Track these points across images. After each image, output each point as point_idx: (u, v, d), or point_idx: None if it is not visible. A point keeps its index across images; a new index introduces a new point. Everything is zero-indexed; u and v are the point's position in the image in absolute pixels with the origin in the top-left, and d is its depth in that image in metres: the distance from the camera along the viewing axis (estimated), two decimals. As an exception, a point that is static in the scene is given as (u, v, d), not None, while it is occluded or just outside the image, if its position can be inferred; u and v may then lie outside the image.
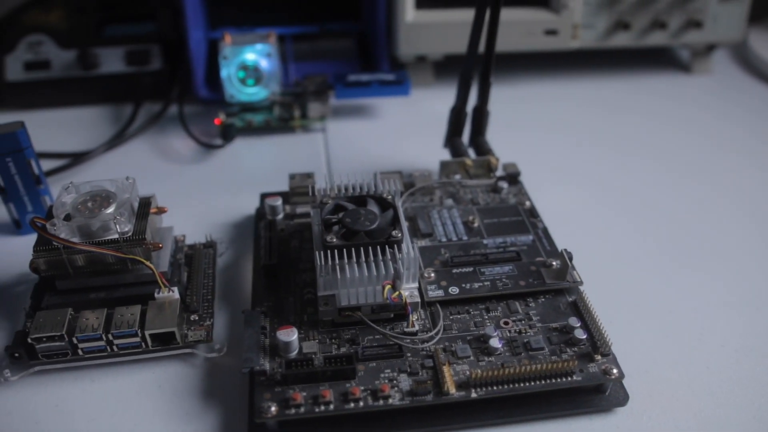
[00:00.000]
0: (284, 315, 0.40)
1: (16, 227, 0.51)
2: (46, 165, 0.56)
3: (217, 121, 0.60)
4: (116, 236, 0.40)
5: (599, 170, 0.57)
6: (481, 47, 0.49)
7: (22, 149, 0.47)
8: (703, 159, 0.59)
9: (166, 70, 0.67)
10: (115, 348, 0.39)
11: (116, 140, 0.61)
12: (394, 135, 0.63)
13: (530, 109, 0.67)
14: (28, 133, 0.47)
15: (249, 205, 0.52)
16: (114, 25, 0.71)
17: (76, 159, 0.58)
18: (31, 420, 0.37)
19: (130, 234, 0.40)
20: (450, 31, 0.66)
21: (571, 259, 0.42)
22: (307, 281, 0.42)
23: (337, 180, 0.43)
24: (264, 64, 0.60)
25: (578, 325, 0.39)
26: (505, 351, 0.38)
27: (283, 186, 0.52)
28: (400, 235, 0.39)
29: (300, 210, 0.48)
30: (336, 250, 0.38)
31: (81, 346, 0.39)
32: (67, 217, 0.40)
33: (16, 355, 0.39)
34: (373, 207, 0.41)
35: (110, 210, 0.40)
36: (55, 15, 0.69)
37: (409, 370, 0.36)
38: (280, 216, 0.47)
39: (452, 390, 0.35)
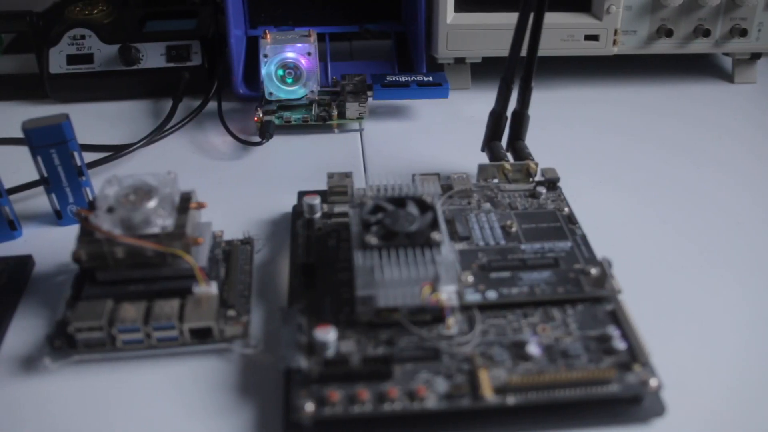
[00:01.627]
0: (321, 314, 0.40)
1: (57, 218, 0.51)
2: (87, 157, 0.56)
3: (257, 119, 0.61)
4: (157, 230, 0.40)
5: (639, 178, 0.57)
6: (523, 51, 0.49)
7: (66, 141, 0.48)
8: (745, 169, 0.58)
9: (206, 67, 0.68)
10: (152, 340, 0.39)
11: (155, 135, 0.61)
12: (431, 137, 0.62)
13: (568, 114, 0.66)
14: (72, 125, 0.48)
15: (286, 203, 0.52)
16: (155, 21, 0.72)
17: (116, 152, 0.59)
18: (69, 408, 0.38)
19: (170, 228, 0.40)
20: (489, 33, 0.66)
21: (610, 267, 0.41)
22: (344, 281, 0.42)
23: (373, 180, 0.43)
24: (304, 62, 0.60)
25: (617, 334, 0.38)
26: (542, 357, 0.37)
27: (320, 184, 0.52)
28: (440, 237, 0.39)
29: (338, 209, 0.48)
30: (375, 251, 0.38)
31: (120, 337, 0.39)
32: (110, 210, 0.41)
33: (57, 344, 0.39)
34: (413, 208, 0.41)
35: (152, 204, 0.41)
36: (99, 10, 0.69)
37: (445, 374, 0.36)
38: (318, 215, 0.47)
39: (489, 395, 0.35)
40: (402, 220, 0.40)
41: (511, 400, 0.35)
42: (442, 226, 0.40)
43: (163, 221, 0.40)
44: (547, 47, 0.65)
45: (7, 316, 0.43)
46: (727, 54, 0.72)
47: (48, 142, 0.48)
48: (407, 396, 0.35)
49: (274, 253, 0.48)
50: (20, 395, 0.38)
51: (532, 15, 0.47)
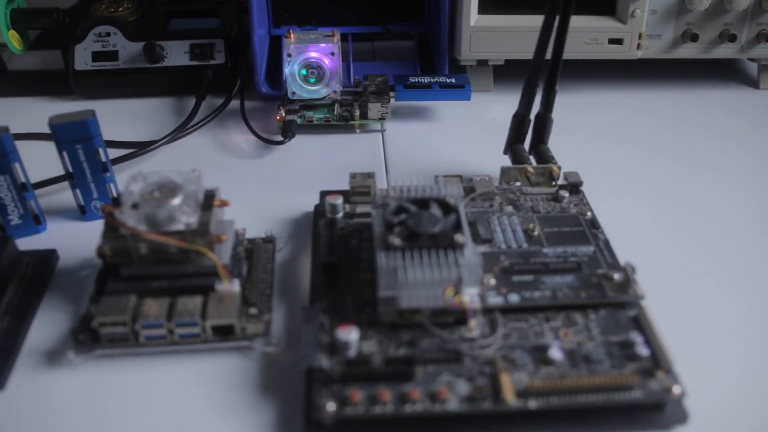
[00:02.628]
0: (343, 313, 0.40)
1: (81, 213, 0.52)
2: (110, 153, 0.57)
3: (278, 118, 0.61)
4: (181, 227, 0.41)
5: (662, 183, 0.56)
6: (547, 54, 0.49)
7: (92, 137, 0.48)
8: (770, 176, 0.58)
9: (229, 65, 0.68)
10: (175, 337, 0.40)
11: (178, 132, 0.62)
12: (453, 139, 0.62)
13: (591, 118, 0.66)
14: (97, 121, 0.48)
15: (307, 202, 0.52)
16: (179, 19, 0.72)
17: (140, 149, 0.59)
18: (92, 402, 0.38)
19: (194, 225, 0.41)
20: (512, 36, 0.65)
21: (634, 273, 0.41)
22: (366, 281, 0.42)
23: (394, 181, 0.43)
24: (327, 62, 0.60)
25: (640, 340, 0.38)
26: (564, 362, 0.37)
27: (341, 184, 0.52)
28: (463, 239, 0.39)
29: (360, 209, 0.48)
30: (398, 252, 0.38)
31: (143, 333, 0.39)
32: (135, 206, 0.41)
33: (81, 338, 0.40)
34: (436, 210, 0.41)
35: (176, 201, 0.41)
36: (124, 8, 0.70)
37: (467, 376, 0.36)
38: (340, 214, 0.47)
39: (510, 398, 0.35)
40: (425, 222, 0.40)
41: (532, 404, 0.35)
42: (466, 228, 0.40)
43: (187, 218, 0.40)
44: (571, 50, 0.65)
45: (31, 309, 0.43)
46: (752, 59, 0.71)
47: (74, 137, 0.48)
48: (428, 397, 0.35)
49: (295, 252, 0.48)
50: (44, 388, 0.39)
51: (557, 18, 0.47)
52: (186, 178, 0.43)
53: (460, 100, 0.63)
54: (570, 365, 0.37)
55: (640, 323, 0.39)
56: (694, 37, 0.66)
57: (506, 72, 0.69)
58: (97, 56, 0.67)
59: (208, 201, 0.43)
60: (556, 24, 0.47)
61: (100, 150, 0.49)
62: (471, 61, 0.68)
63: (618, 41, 0.66)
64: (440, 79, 0.63)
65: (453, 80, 0.63)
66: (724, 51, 0.68)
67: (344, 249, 0.45)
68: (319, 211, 0.49)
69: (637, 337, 0.38)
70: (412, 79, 0.63)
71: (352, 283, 0.42)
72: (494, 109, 0.67)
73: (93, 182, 0.50)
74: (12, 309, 0.43)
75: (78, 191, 0.51)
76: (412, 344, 0.38)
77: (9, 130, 0.47)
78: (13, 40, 0.67)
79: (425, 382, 0.36)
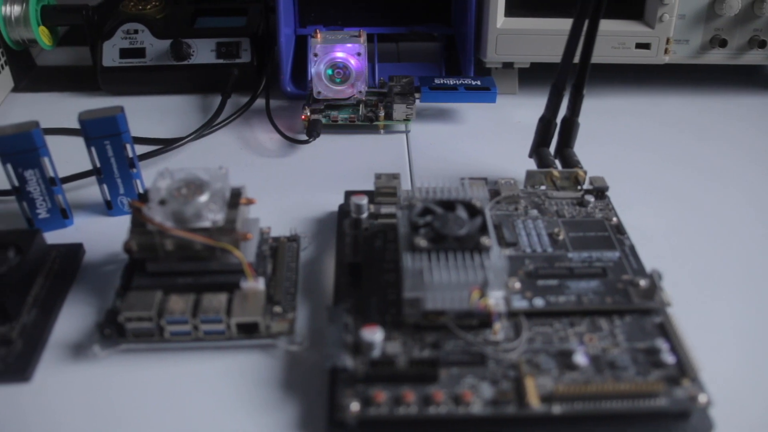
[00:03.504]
0: (367, 314, 0.40)
1: (108, 208, 0.52)
2: (137, 149, 0.57)
3: (303, 117, 0.61)
4: (208, 224, 0.41)
5: (688, 189, 0.56)
6: (574, 57, 0.49)
7: (120, 133, 0.49)
8: (799, 185, 0.57)
9: (254, 64, 0.68)
10: (200, 333, 0.40)
11: (204, 129, 0.62)
12: (477, 141, 0.62)
13: (617, 123, 0.65)
14: (126, 117, 0.49)
15: (331, 202, 0.52)
16: (206, 18, 0.73)
17: (166, 145, 0.59)
18: (117, 396, 0.38)
19: (221, 223, 0.41)
20: (538, 39, 0.65)
21: (660, 279, 0.41)
22: (390, 282, 0.42)
23: (419, 182, 0.43)
24: (353, 62, 0.60)
25: (665, 347, 0.38)
26: (589, 367, 0.37)
27: (365, 184, 0.52)
28: (489, 242, 0.39)
29: (384, 210, 0.48)
30: (424, 253, 0.38)
31: (168, 328, 0.40)
32: (162, 202, 0.41)
33: (107, 332, 0.40)
34: (462, 212, 0.41)
35: (204, 198, 0.41)
36: (152, 5, 0.71)
37: (491, 379, 0.36)
38: (365, 215, 0.47)
39: (534, 403, 0.35)
40: (451, 224, 0.40)
41: (557, 409, 0.35)
42: (491, 231, 0.40)
43: (214, 216, 0.41)
44: (597, 54, 0.63)
45: (58, 302, 0.44)
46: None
47: (102, 133, 0.48)
48: (452, 400, 0.35)
49: (319, 251, 0.48)
50: (69, 380, 0.39)
51: (586, 21, 0.47)
52: (213, 175, 0.43)
53: (485, 102, 0.63)
54: (595, 371, 0.37)
55: (666, 330, 0.39)
56: (723, 43, 0.65)
57: (531, 75, 0.69)
58: (124, 53, 0.68)
59: (235, 199, 0.43)
60: (584, 28, 0.47)
61: (128, 146, 0.50)
62: (496, 64, 0.68)
63: (645, 46, 0.66)
64: (466, 81, 0.63)
65: (478, 82, 0.63)
66: (753, 57, 0.67)
67: (369, 249, 0.45)
68: (343, 210, 0.49)
69: (662, 345, 0.38)
70: (437, 81, 0.63)
71: (377, 283, 0.42)
72: (519, 112, 0.67)
73: (120, 178, 0.51)
74: (39, 302, 0.43)
75: (105, 186, 0.51)
76: (436, 346, 0.38)
77: (39, 125, 0.47)
78: (43, 36, 0.68)
79: (449, 384, 0.36)
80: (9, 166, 0.47)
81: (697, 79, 0.72)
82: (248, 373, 0.39)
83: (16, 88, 0.70)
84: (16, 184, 0.48)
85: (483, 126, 0.65)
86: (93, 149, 0.49)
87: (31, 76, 0.72)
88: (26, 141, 0.47)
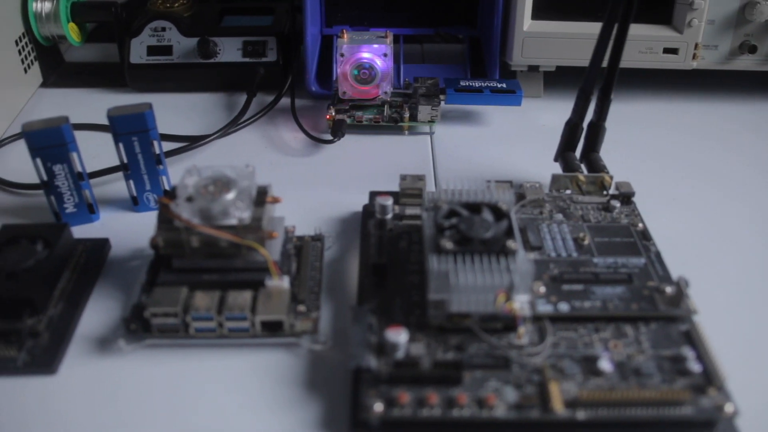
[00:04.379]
0: (391, 315, 0.40)
1: (134, 204, 0.53)
2: (163, 146, 0.58)
3: (329, 117, 0.61)
4: (234, 222, 0.41)
5: (715, 196, 0.55)
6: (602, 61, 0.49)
7: (148, 130, 0.49)
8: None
9: (280, 63, 0.69)
10: (224, 330, 0.40)
11: (230, 127, 0.62)
12: (502, 144, 0.62)
13: (643, 128, 0.65)
14: (154, 114, 0.49)
15: (355, 202, 0.52)
16: (233, 16, 0.73)
17: (192, 142, 0.60)
18: (142, 390, 0.39)
19: (247, 221, 0.41)
20: (565, 42, 0.65)
21: (687, 287, 0.40)
22: (415, 283, 0.42)
23: (443, 184, 0.43)
24: (379, 63, 0.60)
25: (692, 355, 0.38)
26: (614, 374, 0.37)
27: (389, 185, 0.52)
28: (515, 245, 0.38)
29: (409, 211, 0.48)
30: (450, 255, 0.38)
31: (193, 324, 0.40)
32: (189, 199, 0.42)
33: (132, 327, 0.40)
34: (488, 215, 0.41)
35: (230, 195, 0.41)
36: (179, 3, 0.71)
37: (515, 383, 0.36)
38: (390, 215, 0.47)
39: (559, 408, 0.34)
40: (477, 227, 0.40)
41: (581, 414, 0.34)
42: (517, 234, 0.40)
43: (240, 213, 0.41)
44: (624, 59, 0.63)
45: (84, 296, 0.44)
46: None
47: (131, 129, 0.49)
48: (476, 403, 0.35)
49: (343, 251, 0.48)
50: (94, 374, 0.40)
51: (615, 26, 0.46)
52: (240, 173, 0.43)
53: (510, 105, 0.63)
54: (619, 377, 0.36)
55: (692, 338, 0.39)
56: (753, 49, 0.65)
57: (556, 78, 0.68)
58: (151, 50, 0.69)
59: (261, 197, 0.43)
60: (613, 32, 0.47)
61: (155, 142, 0.50)
62: (522, 67, 0.68)
63: (673, 51, 0.65)
64: (491, 84, 0.63)
65: (504, 85, 0.63)
66: (783, 64, 0.66)
67: (393, 250, 0.45)
68: (367, 211, 0.49)
69: (688, 353, 0.38)
70: (462, 83, 0.63)
71: (401, 284, 0.42)
72: (543, 116, 0.66)
73: (146, 174, 0.51)
74: (66, 295, 0.44)
75: (131, 182, 0.52)
76: (460, 349, 0.38)
77: (68, 120, 0.48)
78: (72, 32, 0.69)
79: (473, 387, 0.36)
80: (38, 161, 0.48)
81: (726, 86, 0.71)
82: (271, 371, 0.40)
83: (45, 84, 0.71)
84: (45, 178, 0.49)
85: (507, 129, 0.65)
86: (121, 145, 0.49)
87: (60, 72, 0.73)
88: (56, 136, 0.47)
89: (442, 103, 0.62)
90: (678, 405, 0.35)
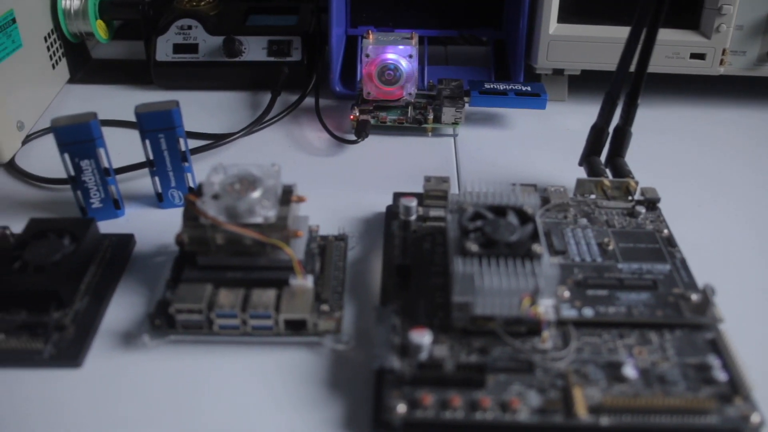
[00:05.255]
0: (414, 316, 0.40)
1: (158, 200, 0.53)
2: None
3: (352, 117, 0.61)
4: (260, 220, 0.41)
5: (742, 203, 0.54)
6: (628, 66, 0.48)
7: (175, 127, 0.49)
8: None
9: (305, 63, 0.69)
10: (248, 328, 0.40)
11: (254, 126, 0.63)
12: (526, 147, 0.62)
13: (669, 134, 0.64)
14: (180, 112, 0.49)
15: (378, 202, 0.52)
16: (258, 15, 0.73)
17: (216, 140, 0.60)
18: (165, 386, 0.39)
19: (272, 219, 0.41)
20: (590, 46, 0.65)
21: (713, 295, 0.40)
22: (438, 285, 0.42)
23: (466, 186, 0.43)
24: (404, 64, 0.60)
25: (717, 363, 0.37)
26: (638, 380, 0.36)
27: (413, 186, 0.52)
28: (541, 249, 0.38)
29: (433, 213, 0.48)
30: (475, 258, 0.38)
31: (217, 321, 0.40)
32: (215, 197, 0.42)
33: (157, 322, 0.41)
34: (513, 218, 0.41)
35: (257, 194, 0.41)
36: (206, 2, 0.71)
37: (538, 387, 0.36)
38: (413, 217, 0.47)
39: (582, 413, 0.34)
40: (502, 230, 0.39)
41: (604, 421, 0.34)
42: (542, 238, 0.40)
43: (266, 212, 0.41)
44: (651, 64, 0.63)
45: (109, 291, 0.45)
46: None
47: (157, 126, 0.49)
48: (499, 406, 0.35)
49: (366, 251, 0.48)
50: (118, 368, 0.40)
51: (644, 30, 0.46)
52: (265, 172, 0.43)
53: (534, 108, 0.63)
54: (644, 384, 0.36)
55: (718, 347, 0.38)
56: (781, 55, 0.64)
57: (581, 82, 0.68)
58: (177, 48, 0.69)
59: (286, 196, 0.43)
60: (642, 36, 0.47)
61: (181, 140, 0.50)
62: (546, 70, 0.68)
63: (700, 56, 0.65)
64: (516, 87, 0.63)
65: (529, 88, 0.63)
66: (812, 71, 0.66)
67: (417, 252, 0.45)
68: (391, 212, 0.49)
69: (714, 361, 0.37)
70: (487, 86, 0.63)
71: (425, 286, 0.42)
72: (567, 119, 0.66)
73: (172, 171, 0.51)
74: (91, 290, 0.44)
75: (157, 179, 0.52)
76: (483, 351, 0.38)
77: (97, 116, 0.48)
78: (100, 29, 0.70)
79: (496, 390, 0.35)
80: (66, 156, 0.48)
81: (754, 92, 0.71)
82: (294, 370, 0.40)
83: (72, 80, 0.72)
84: (72, 173, 0.49)
85: (531, 132, 0.64)
86: (147, 142, 0.50)
87: (87, 68, 0.73)
88: (84, 131, 0.48)
89: (466, 105, 0.62)
90: (703, 414, 0.35)
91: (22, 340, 0.40)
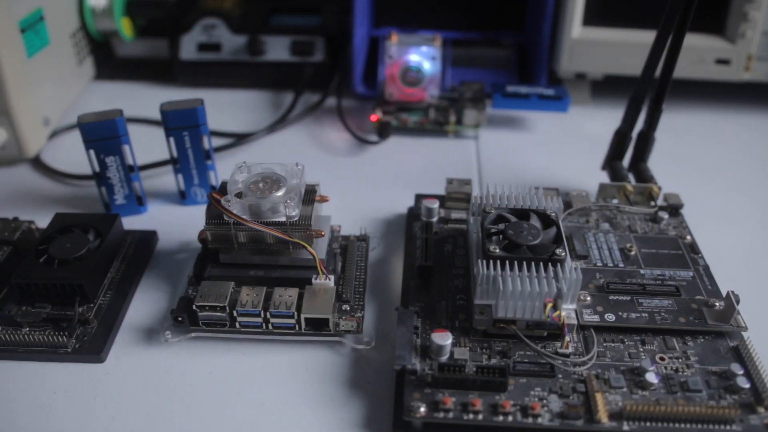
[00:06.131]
0: (436, 318, 0.40)
1: (181, 197, 0.53)
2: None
3: (373, 118, 0.61)
4: (283, 219, 0.41)
5: (766, 210, 0.54)
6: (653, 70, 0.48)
7: (199, 125, 0.50)
8: None
9: (327, 63, 0.69)
10: (269, 326, 0.41)
11: (276, 125, 0.63)
12: (547, 151, 0.62)
13: (693, 139, 0.64)
14: (205, 110, 0.50)
15: (399, 203, 0.53)
16: (281, 15, 0.74)
17: (239, 139, 0.61)
18: (186, 381, 0.39)
19: (296, 219, 0.41)
20: (615, 51, 0.64)
21: (738, 302, 0.40)
22: (459, 287, 0.42)
23: (487, 189, 0.43)
24: (427, 66, 0.60)
25: (741, 372, 0.37)
26: (660, 387, 0.36)
27: (434, 188, 0.52)
28: (564, 254, 0.38)
29: (455, 215, 0.48)
30: (497, 261, 0.38)
31: (239, 319, 0.40)
32: (239, 195, 0.42)
33: (180, 319, 0.41)
34: (536, 222, 0.41)
35: (280, 193, 0.42)
36: (230, 1, 0.72)
37: (560, 392, 0.36)
38: (435, 219, 0.47)
39: (604, 419, 0.34)
40: (525, 233, 0.39)
41: (626, 427, 0.34)
42: (565, 242, 0.40)
43: (290, 211, 0.41)
44: (675, 69, 0.63)
45: (132, 286, 0.45)
46: None
47: (182, 124, 0.50)
48: (521, 410, 0.35)
49: (387, 252, 0.48)
50: (140, 363, 0.40)
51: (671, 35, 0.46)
52: (289, 171, 0.43)
53: (557, 111, 0.62)
54: (666, 391, 0.36)
55: (741, 355, 0.38)
56: (808, 62, 0.64)
57: (603, 86, 0.68)
58: (202, 47, 0.70)
59: (310, 196, 0.43)
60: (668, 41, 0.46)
61: (205, 138, 0.51)
62: (569, 74, 0.67)
63: (725, 62, 0.64)
64: (539, 90, 0.63)
65: (552, 92, 0.62)
66: (839, 78, 0.65)
67: (438, 253, 0.45)
68: (412, 213, 0.49)
69: (737, 369, 0.37)
70: (510, 89, 0.63)
71: (446, 288, 0.42)
72: (590, 124, 0.66)
73: (195, 168, 0.52)
74: (114, 285, 0.45)
75: (180, 176, 0.52)
76: (504, 355, 0.38)
77: (122, 114, 0.49)
78: (125, 27, 0.70)
79: (517, 394, 0.35)
80: (92, 152, 0.49)
81: (776, 98, 0.70)
82: (314, 369, 0.40)
83: (96, 77, 0.72)
84: (98, 169, 0.50)
85: (553, 135, 0.64)
86: (171, 139, 0.50)
87: (111, 66, 0.74)
88: (110, 128, 0.48)
89: (489, 107, 0.62)
90: (726, 422, 0.35)
91: (46, 334, 0.40)
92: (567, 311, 0.37)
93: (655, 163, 0.53)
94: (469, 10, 0.73)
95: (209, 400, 0.38)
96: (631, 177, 0.52)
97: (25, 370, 0.40)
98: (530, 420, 0.34)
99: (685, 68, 0.64)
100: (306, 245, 0.41)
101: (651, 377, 0.36)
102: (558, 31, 0.65)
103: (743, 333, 0.40)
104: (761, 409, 0.35)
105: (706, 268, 0.44)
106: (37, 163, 0.58)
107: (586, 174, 0.55)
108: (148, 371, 0.40)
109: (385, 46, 0.61)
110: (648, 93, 0.49)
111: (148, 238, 0.49)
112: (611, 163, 0.53)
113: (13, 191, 0.55)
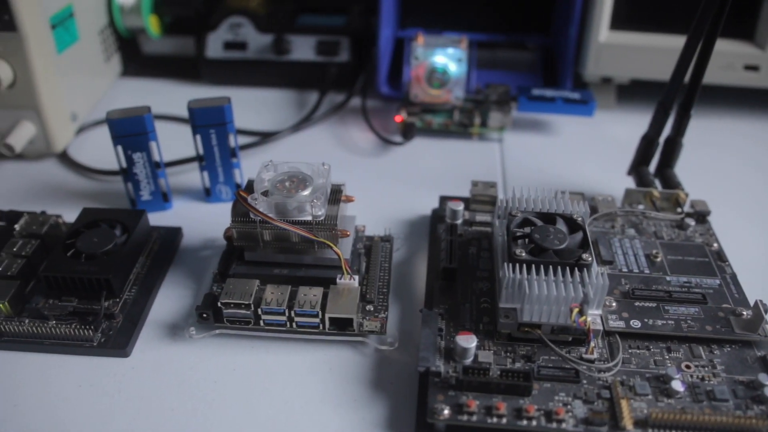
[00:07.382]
0: (459, 320, 0.40)
1: (206, 194, 0.54)
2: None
3: (398, 119, 0.61)
4: (309, 218, 0.41)
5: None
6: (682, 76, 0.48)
7: (225, 123, 0.50)
8: None
9: (352, 63, 0.69)
10: (293, 325, 0.41)
11: (301, 124, 0.63)
12: (572, 155, 0.61)
13: (720, 146, 0.63)
14: (232, 108, 0.50)
15: (423, 205, 0.53)
16: (307, 15, 0.74)
17: (264, 138, 0.61)
18: (210, 378, 0.40)
19: (322, 218, 0.41)
20: (642, 55, 0.64)
21: (766, 311, 0.39)
22: (484, 290, 0.42)
23: (511, 192, 0.43)
24: (453, 68, 0.60)
25: (769, 382, 0.37)
26: (686, 396, 0.36)
27: (458, 190, 0.52)
28: (590, 259, 0.38)
29: (479, 218, 0.48)
30: (523, 264, 0.38)
31: (264, 317, 0.41)
32: (265, 193, 0.42)
33: (204, 315, 0.41)
34: (562, 226, 0.40)
35: (307, 192, 0.42)
36: (256, 0, 0.72)
37: (584, 398, 0.35)
38: (460, 221, 0.47)
39: (629, 426, 0.34)
40: (551, 237, 0.39)
41: (651, 434, 0.34)
42: (592, 247, 0.39)
43: (317, 211, 0.41)
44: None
45: (157, 282, 0.45)
46: None
47: (209, 122, 0.50)
48: (545, 415, 0.34)
49: (411, 253, 0.48)
50: (164, 359, 0.41)
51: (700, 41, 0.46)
52: (315, 170, 0.44)
53: (582, 115, 0.62)
54: (692, 400, 0.36)
55: (769, 365, 0.38)
56: (839, 70, 0.63)
57: (629, 90, 0.67)
58: (227, 46, 0.70)
59: (336, 195, 0.43)
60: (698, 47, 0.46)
61: (231, 136, 0.51)
62: (595, 78, 0.67)
63: (754, 68, 0.63)
64: (564, 94, 0.62)
65: (577, 96, 0.62)
66: None
67: (463, 256, 0.45)
68: (437, 215, 0.49)
69: (765, 380, 0.37)
70: (535, 92, 0.62)
71: (470, 290, 0.42)
72: (615, 128, 0.65)
73: (221, 166, 0.52)
74: (140, 280, 0.45)
75: (205, 174, 0.53)
76: (528, 359, 0.37)
77: (150, 110, 0.49)
78: (152, 25, 0.71)
79: (541, 398, 0.35)
80: (119, 148, 0.49)
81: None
82: (337, 368, 0.40)
83: (123, 74, 0.73)
84: (125, 165, 0.50)
85: (578, 139, 0.64)
86: (198, 137, 0.50)
87: (138, 63, 0.75)
88: (138, 125, 0.48)
89: (514, 110, 0.62)
90: (752, 433, 0.34)
91: (72, 327, 0.40)
92: (593, 317, 0.37)
93: (681, 169, 0.52)
94: (495, 12, 0.73)
95: (232, 396, 0.38)
96: (657, 183, 0.52)
97: (51, 362, 0.40)
98: (554, 425, 0.34)
99: (713, 74, 0.63)
100: (331, 245, 0.41)
101: (677, 385, 0.36)
102: (584, 35, 0.65)
103: (771, 342, 0.39)
104: (789, 421, 0.35)
105: (734, 276, 0.44)
106: (65, 158, 0.59)
107: (612, 179, 0.55)
108: (173, 367, 0.40)
109: (411, 48, 0.61)
110: (676, 98, 0.49)
111: (174, 234, 0.50)
112: (638, 168, 0.53)
113: (41, 185, 0.56)
